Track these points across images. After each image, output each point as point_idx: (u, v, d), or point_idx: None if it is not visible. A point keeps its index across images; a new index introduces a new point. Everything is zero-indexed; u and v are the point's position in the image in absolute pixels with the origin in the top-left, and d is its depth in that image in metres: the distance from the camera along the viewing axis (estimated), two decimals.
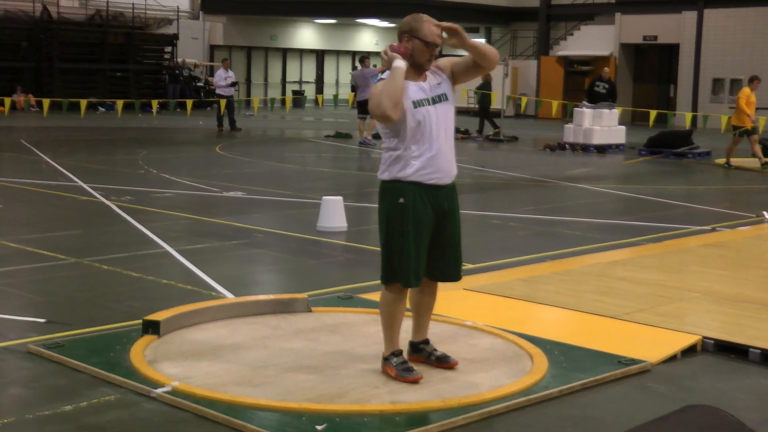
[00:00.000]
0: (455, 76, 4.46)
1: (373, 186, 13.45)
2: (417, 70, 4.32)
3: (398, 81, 4.17)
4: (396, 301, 4.38)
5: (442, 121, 4.31)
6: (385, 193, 4.35)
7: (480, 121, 22.37)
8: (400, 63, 4.20)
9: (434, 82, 4.35)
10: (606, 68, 21.93)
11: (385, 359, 4.43)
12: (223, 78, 21.39)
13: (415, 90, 4.28)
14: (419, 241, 4.30)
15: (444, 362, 4.56)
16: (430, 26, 4.27)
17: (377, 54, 39.58)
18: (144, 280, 6.45)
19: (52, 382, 4.32)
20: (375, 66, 18.90)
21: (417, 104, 4.26)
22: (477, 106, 22.63)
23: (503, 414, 4.04)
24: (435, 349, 4.59)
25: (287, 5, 33.07)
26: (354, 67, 34.24)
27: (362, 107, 18.36)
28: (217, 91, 21.70)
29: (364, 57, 19.90)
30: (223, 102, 21.30)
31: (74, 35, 29.30)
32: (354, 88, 19.66)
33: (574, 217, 9.82)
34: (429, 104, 4.29)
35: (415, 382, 4.30)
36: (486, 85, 22.36)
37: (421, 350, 4.60)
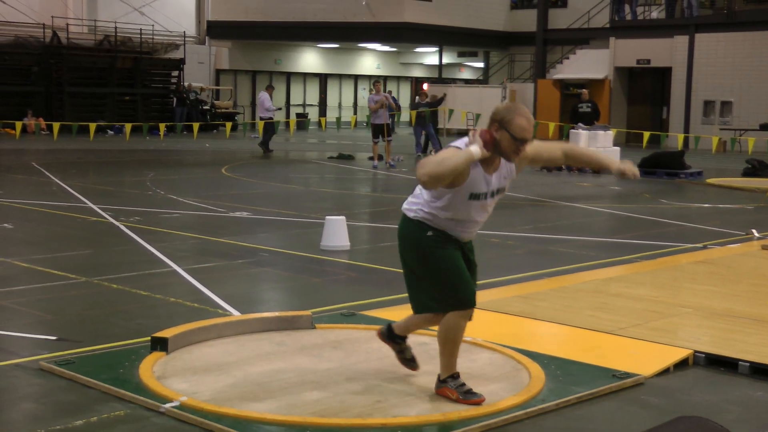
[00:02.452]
0: (532, 161, 4.38)
1: (375, 206, 13.52)
2: (494, 157, 4.18)
3: (458, 163, 3.97)
4: (463, 326, 4.37)
5: (489, 207, 4.32)
6: (409, 228, 4.32)
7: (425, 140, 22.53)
8: (475, 150, 4.03)
9: (503, 174, 4.26)
10: (585, 90, 22.19)
11: (443, 381, 4.40)
12: (267, 101, 22.14)
13: (479, 182, 4.18)
14: (462, 263, 4.34)
15: (410, 365, 4.70)
16: (521, 121, 4.08)
17: (379, 78, 39.90)
18: (152, 299, 6.53)
19: (63, 398, 4.38)
20: (389, 92, 19.28)
21: (473, 197, 4.19)
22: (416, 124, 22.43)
23: (501, 427, 4.11)
24: (410, 348, 4.68)
25: (291, 30, 33.32)
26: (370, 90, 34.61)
27: (376, 131, 18.63)
28: (268, 114, 22.27)
29: (376, 81, 20.16)
30: (265, 124, 22.00)
31: (83, 60, 29.55)
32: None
33: (570, 236, 9.88)
34: (485, 198, 4.24)
35: (479, 404, 4.28)
36: (429, 105, 22.34)
37: (399, 343, 4.66)
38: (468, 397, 4.32)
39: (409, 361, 4.71)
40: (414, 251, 4.36)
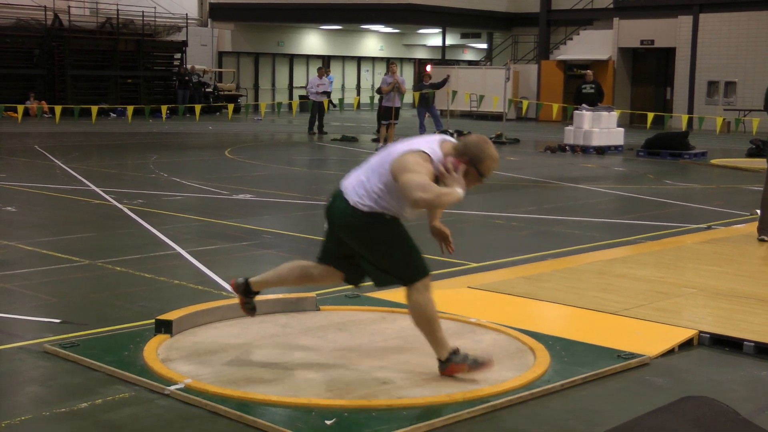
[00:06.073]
0: None
1: None
2: None
3: (450, 203, 4.23)
4: (432, 299, 4.40)
5: None
6: (368, 218, 4.34)
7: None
8: (461, 193, 4.21)
9: None
10: (589, 71, 22.16)
11: (447, 361, 4.39)
12: (315, 85, 22.33)
13: None
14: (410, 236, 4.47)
15: (252, 313, 4.88)
16: (491, 163, 4.32)
17: (382, 59, 39.80)
18: (156, 281, 6.55)
19: (68, 381, 4.38)
20: (402, 76, 19.27)
21: None
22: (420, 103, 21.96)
23: (507, 408, 4.12)
24: (254, 303, 4.88)
25: (294, 12, 33.22)
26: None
27: (386, 113, 18.58)
28: (310, 97, 22.52)
29: (391, 63, 20.07)
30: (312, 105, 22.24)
31: (85, 43, 29.49)
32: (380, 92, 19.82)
33: (574, 217, 9.89)
34: None
35: (490, 367, 4.40)
36: (432, 86, 21.97)
37: (251, 298, 4.82)
38: (477, 365, 4.38)
39: (252, 309, 4.89)
40: (374, 232, 4.36)
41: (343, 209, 4.38)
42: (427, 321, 4.36)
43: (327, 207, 4.52)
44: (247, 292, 4.80)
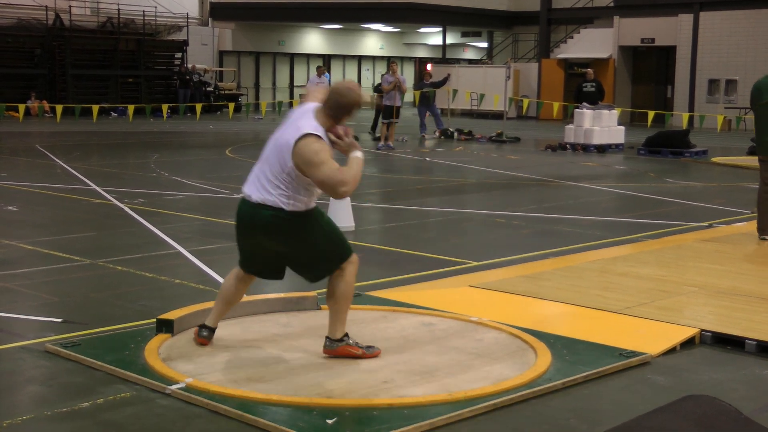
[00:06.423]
0: None
1: (380, 187, 13.46)
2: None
3: (360, 174, 4.51)
4: (355, 275, 4.64)
5: None
6: (297, 218, 4.49)
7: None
8: (361, 155, 4.52)
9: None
10: (590, 69, 22.17)
11: (340, 341, 4.61)
12: (314, 84, 22.19)
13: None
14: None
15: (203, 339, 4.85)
16: (363, 96, 4.66)
17: (382, 58, 39.80)
18: (157, 280, 6.55)
19: (69, 380, 4.39)
20: (402, 76, 19.25)
21: None
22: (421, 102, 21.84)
23: (508, 406, 4.11)
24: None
25: (294, 11, 33.22)
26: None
27: (387, 112, 18.63)
28: None
29: (392, 62, 20.06)
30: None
31: (86, 42, 29.51)
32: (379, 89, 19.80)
33: (575, 215, 9.89)
34: None
35: (378, 355, 4.66)
36: (433, 85, 21.90)
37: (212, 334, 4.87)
38: (371, 351, 4.65)
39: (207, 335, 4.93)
40: (305, 227, 4.52)
41: (269, 216, 4.49)
42: (346, 299, 4.61)
43: (243, 217, 4.60)
44: (211, 334, 4.89)
